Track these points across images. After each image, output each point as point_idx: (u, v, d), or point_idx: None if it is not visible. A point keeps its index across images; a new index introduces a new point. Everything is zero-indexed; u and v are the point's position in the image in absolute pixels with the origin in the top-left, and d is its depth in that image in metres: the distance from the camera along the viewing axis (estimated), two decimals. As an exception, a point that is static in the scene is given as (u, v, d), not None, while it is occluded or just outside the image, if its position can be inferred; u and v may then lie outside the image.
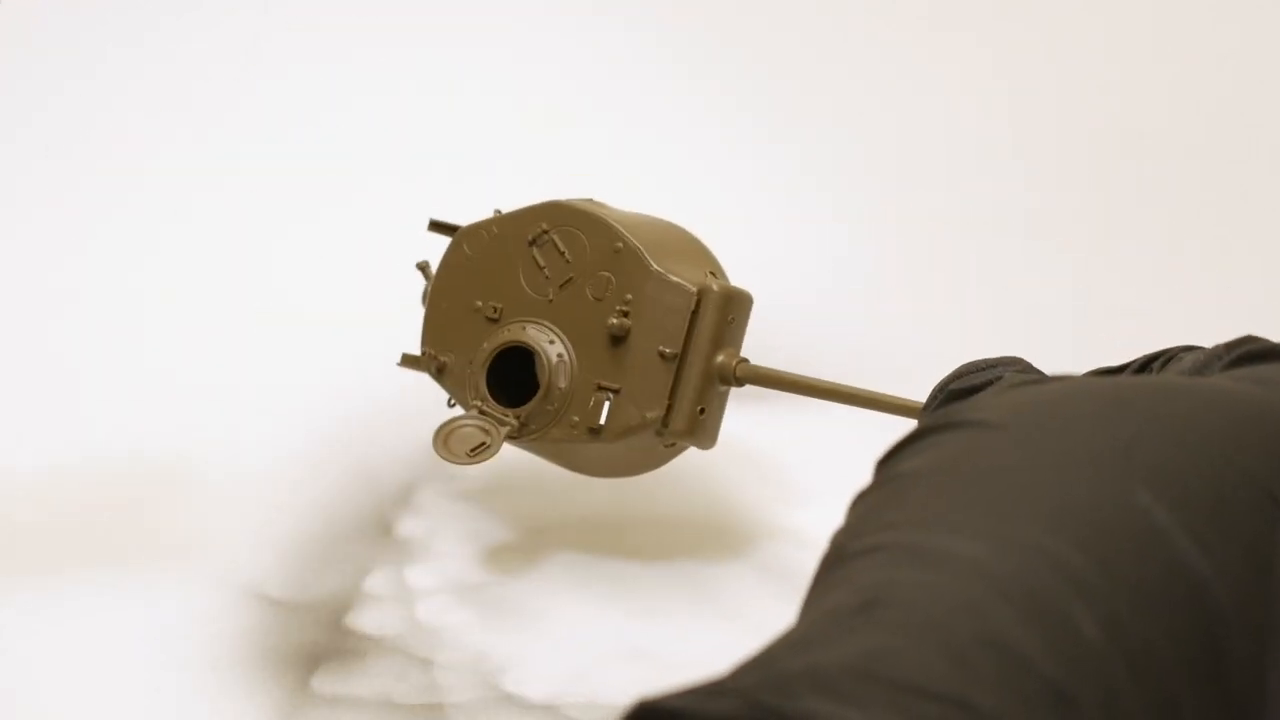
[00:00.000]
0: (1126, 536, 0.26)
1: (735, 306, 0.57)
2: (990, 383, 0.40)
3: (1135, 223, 0.88)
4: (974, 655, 0.24)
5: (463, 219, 0.63)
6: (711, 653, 0.27)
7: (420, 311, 0.63)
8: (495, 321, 0.59)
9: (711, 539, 0.65)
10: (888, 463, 0.32)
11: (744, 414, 0.59)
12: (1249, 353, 0.35)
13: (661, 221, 0.62)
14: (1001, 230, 0.87)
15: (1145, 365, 0.39)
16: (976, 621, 0.24)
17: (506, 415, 0.57)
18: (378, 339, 0.79)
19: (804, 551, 0.31)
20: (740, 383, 0.57)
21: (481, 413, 0.57)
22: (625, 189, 0.88)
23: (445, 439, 0.56)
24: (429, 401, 0.73)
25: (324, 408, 0.74)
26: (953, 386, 0.41)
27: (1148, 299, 0.82)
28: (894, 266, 0.86)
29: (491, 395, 0.58)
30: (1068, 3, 0.99)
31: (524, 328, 0.58)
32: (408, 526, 0.66)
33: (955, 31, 0.98)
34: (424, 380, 0.64)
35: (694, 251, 0.61)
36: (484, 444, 0.56)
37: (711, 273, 0.59)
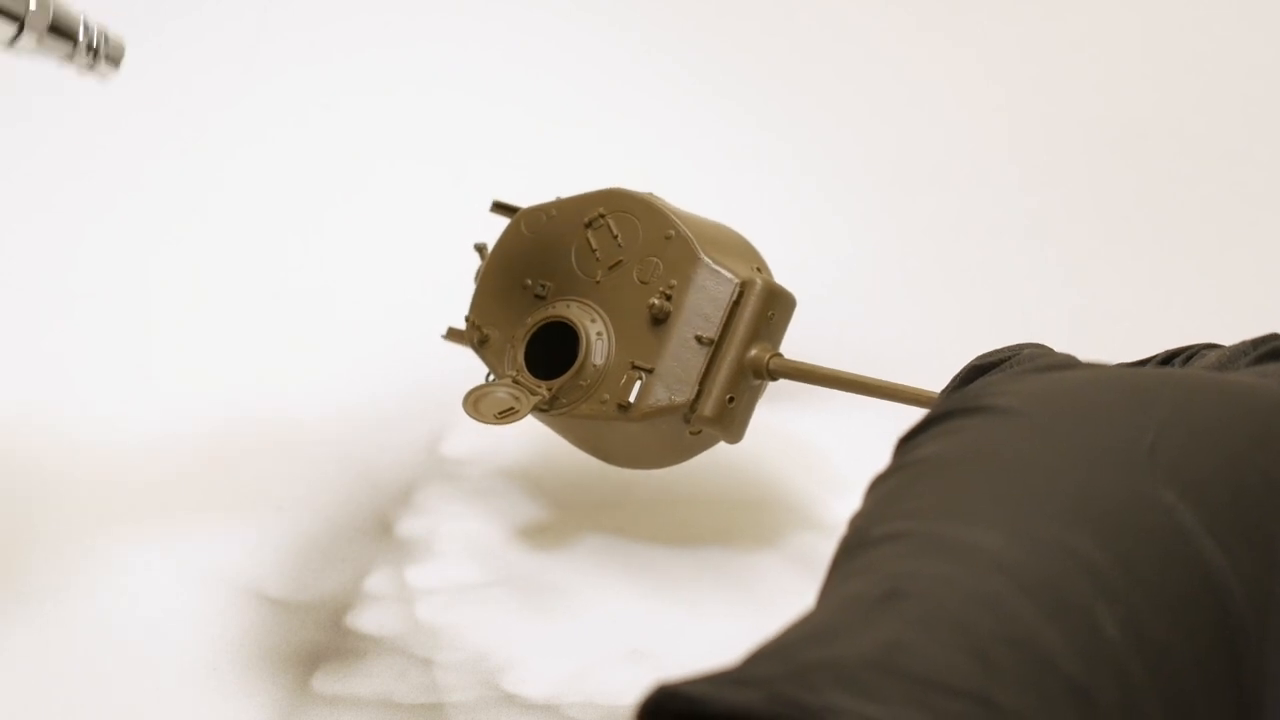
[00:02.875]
0: (1149, 535, 0.26)
1: (777, 303, 0.58)
2: (1010, 359, 0.39)
3: (1135, 224, 0.88)
4: (995, 652, 0.24)
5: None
6: (731, 644, 0.27)
7: (469, 289, 0.64)
8: (542, 299, 0.61)
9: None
10: (907, 445, 0.32)
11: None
12: (1275, 350, 0.35)
13: (718, 222, 0.63)
14: (1002, 231, 0.87)
15: (1166, 361, 0.39)
16: (998, 617, 0.24)
17: (539, 386, 0.58)
18: (378, 339, 0.79)
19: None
20: (774, 376, 0.57)
21: (515, 381, 0.58)
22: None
23: (475, 401, 0.57)
24: (430, 402, 0.73)
25: (324, 408, 0.74)
26: (975, 363, 0.41)
27: (1148, 300, 0.82)
28: (894, 267, 0.86)
29: (529, 370, 0.59)
30: (1066, 4, 0.99)
31: (568, 305, 0.60)
32: (408, 526, 0.66)
33: (956, 33, 0.98)
34: (424, 381, 0.64)
35: (744, 250, 0.62)
36: (512, 409, 0.57)
37: (758, 269, 0.60)
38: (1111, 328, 0.79)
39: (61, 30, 0.54)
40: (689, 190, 0.89)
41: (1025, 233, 0.88)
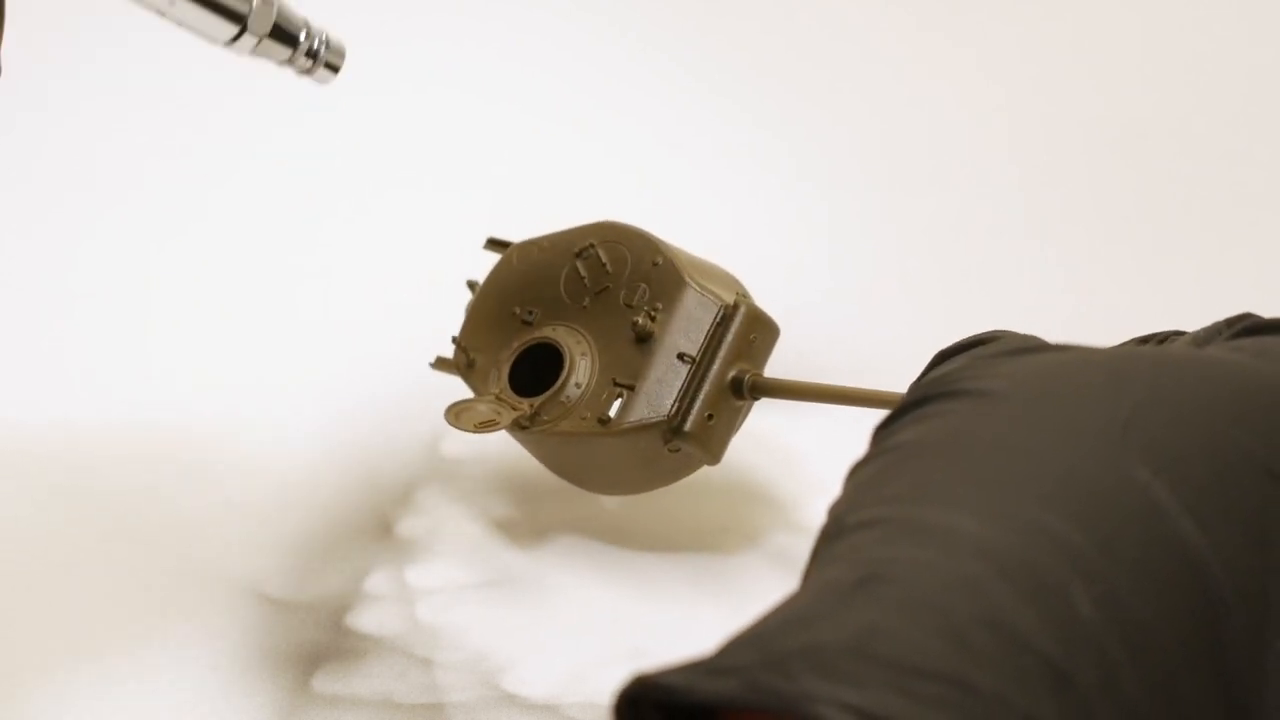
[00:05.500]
0: (1125, 514, 0.26)
1: (759, 327, 0.59)
2: (983, 342, 0.39)
3: (1135, 224, 0.88)
4: (972, 634, 0.24)
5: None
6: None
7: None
8: (530, 325, 0.61)
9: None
10: (884, 431, 0.32)
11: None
12: (1249, 326, 0.35)
13: (708, 260, 0.63)
14: (1001, 232, 0.87)
15: (1142, 344, 0.39)
16: (975, 600, 0.24)
17: (520, 403, 0.58)
18: (378, 340, 0.79)
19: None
20: (755, 394, 0.58)
21: (497, 398, 0.59)
22: (623, 193, 0.88)
23: (458, 413, 0.58)
24: (430, 402, 0.73)
25: (324, 408, 0.74)
26: (944, 349, 0.40)
27: (1148, 301, 0.82)
28: (892, 268, 0.86)
29: (515, 393, 0.60)
30: (1066, 4, 0.99)
31: (554, 329, 0.60)
32: (408, 526, 0.66)
33: (956, 33, 0.98)
34: (424, 381, 0.64)
35: (730, 281, 0.63)
36: (492, 420, 0.58)
37: (743, 294, 0.61)
38: (1112, 329, 0.79)
39: (283, 34, 0.53)
40: (686, 189, 0.89)
41: (1025, 233, 0.88)
